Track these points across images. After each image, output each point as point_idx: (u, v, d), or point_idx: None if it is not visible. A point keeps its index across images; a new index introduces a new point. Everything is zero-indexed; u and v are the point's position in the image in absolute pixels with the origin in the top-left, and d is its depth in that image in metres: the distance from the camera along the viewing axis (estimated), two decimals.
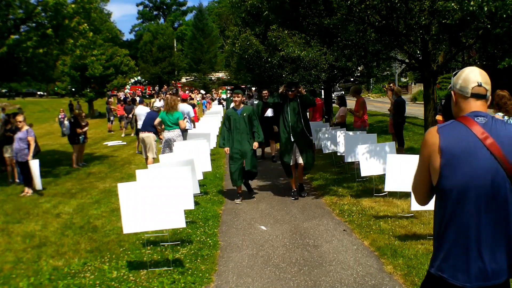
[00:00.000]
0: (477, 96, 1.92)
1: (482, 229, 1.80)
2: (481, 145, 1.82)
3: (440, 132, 1.88)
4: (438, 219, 1.90)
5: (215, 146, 11.82)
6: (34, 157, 9.10)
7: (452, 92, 2.01)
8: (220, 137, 7.63)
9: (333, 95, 14.52)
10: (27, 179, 8.85)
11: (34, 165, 8.73)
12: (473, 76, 1.93)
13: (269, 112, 10.58)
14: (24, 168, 8.87)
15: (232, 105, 7.75)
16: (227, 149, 7.43)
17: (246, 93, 20.38)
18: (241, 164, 7.38)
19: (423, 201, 2.05)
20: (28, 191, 8.79)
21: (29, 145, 8.89)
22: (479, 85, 1.91)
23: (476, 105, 1.92)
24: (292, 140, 7.32)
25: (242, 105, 7.53)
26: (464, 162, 1.81)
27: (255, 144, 7.42)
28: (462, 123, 1.89)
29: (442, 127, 1.91)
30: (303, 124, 7.40)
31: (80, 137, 11.88)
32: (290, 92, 7.37)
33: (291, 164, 7.46)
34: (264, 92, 11.29)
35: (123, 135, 19.45)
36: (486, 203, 1.81)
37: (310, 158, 7.53)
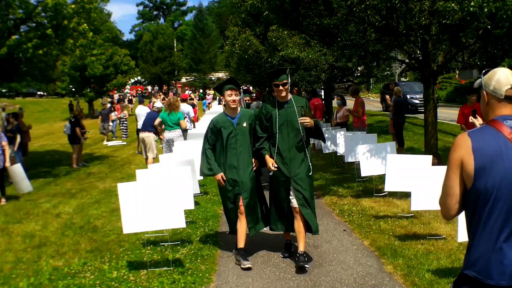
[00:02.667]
0: (510, 98, 1.93)
1: None
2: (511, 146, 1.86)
3: (471, 136, 1.91)
4: (471, 221, 1.92)
5: None
6: (22, 158, 8.97)
7: (484, 92, 2.01)
8: (202, 159, 4.88)
9: (334, 100, 14.52)
10: (2, 187, 8.29)
11: (17, 170, 8.50)
12: (506, 78, 1.94)
13: None
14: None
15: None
16: (220, 176, 4.75)
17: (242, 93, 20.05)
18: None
19: (454, 211, 1.98)
20: (3, 200, 8.20)
21: (3, 150, 8.17)
22: None
23: (507, 109, 1.94)
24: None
25: (239, 109, 4.90)
26: (497, 162, 1.84)
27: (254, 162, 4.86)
28: (492, 126, 1.92)
29: (472, 131, 1.94)
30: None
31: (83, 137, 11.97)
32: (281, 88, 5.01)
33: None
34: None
35: (105, 143, 17.33)
36: None
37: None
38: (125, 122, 18.35)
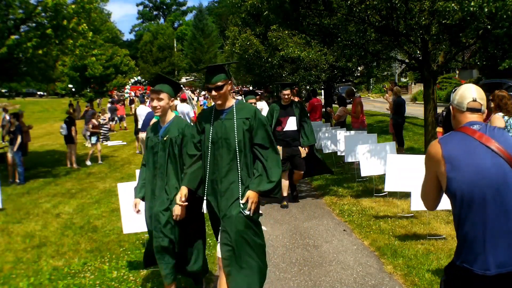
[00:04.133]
0: (472, 110, 2.12)
1: (496, 222, 1.95)
2: (481, 145, 2.00)
3: (441, 142, 2.09)
4: (455, 218, 2.06)
5: None
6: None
7: (451, 107, 2.22)
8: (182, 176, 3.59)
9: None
10: None
11: None
12: (468, 93, 2.14)
13: (291, 124, 6.92)
14: None
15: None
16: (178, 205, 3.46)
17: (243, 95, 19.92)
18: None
19: (432, 207, 2.29)
20: None
21: None
22: (474, 100, 2.12)
23: (472, 117, 2.12)
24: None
25: (169, 116, 3.69)
26: (467, 162, 1.99)
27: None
28: (460, 131, 2.10)
29: (442, 138, 2.12)
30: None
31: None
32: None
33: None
34: (285, 92, 6.93)
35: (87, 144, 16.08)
36: (496, 197, 1.95)
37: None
38: (106, 126, 17.21)
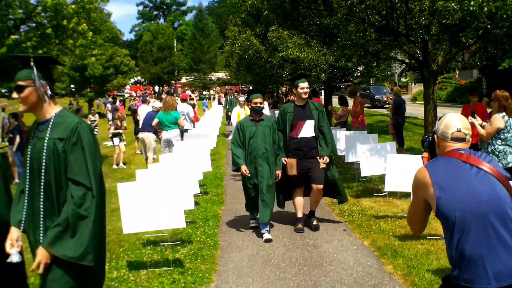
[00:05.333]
0: (456, 139, 2.16)
1: (491, 237, 1.95)
2: (469, 166, 2.04)
3: (427, 167, 2.12)
4: (448, 238, 2.06)
5: (215, 146, 11.80)
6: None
7: (435, 136, 2.25)
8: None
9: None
10: None
11: None
12: (453, 123, 2.18)
13: (308, 129, 5.60)
14: None
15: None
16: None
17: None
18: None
19: (418, 231, 2.30)
20: None
21: None
22: (458, 131, 2.15)
23: (456, 146, 2.15)
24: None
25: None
26: (457, 183, 2.01)
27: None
28: (447, 156, 2.13)
29: (428, 163, 2.17)
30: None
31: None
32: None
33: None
34: (303, 86, 5.55)
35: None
36: (489, 213, 1.96)
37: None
38: (95, 128, 16.01)
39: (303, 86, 5.53)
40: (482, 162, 2.04)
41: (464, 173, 2.03)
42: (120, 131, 11.65)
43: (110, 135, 11.87)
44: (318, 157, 5.59)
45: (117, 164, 11.64)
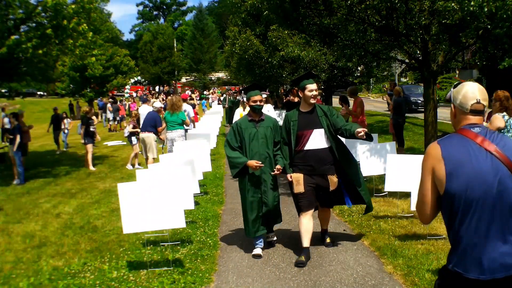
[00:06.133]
0: (475, 112, 2.07)
1: (491, 227, 1.93)
2: (481, 149, 1.97)
3: (440, 143, 2.05)
4: (448, 223, 2.03)
5: (215, 146, 11.80)
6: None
7: (452, 105, 2.16)
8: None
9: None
10: None
11: None
12: (472, 93, 2.07)
13: (317, 139, 4.75)
14: None
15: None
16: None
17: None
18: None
19: (428, 217, 2.13)
20: None
21: None
22: (478, 102, 2.06)
23: (474, 119, 2.08)
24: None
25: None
26: (466, 166, 1.95)
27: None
28: (460, 134, 2.06)
29: (442, 139, 2.09)
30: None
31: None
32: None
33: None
34: (311, 88, 4.74)
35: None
36: (493, 201, 1.93)
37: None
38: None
39: (312, 88, 4.67)
40: (493, 146, 1.96)
41: (475, 156, 1.95)
42: (138, 130, 10.94)
43: (127, 134, 11.48)
44: (330, 175, 4.73)
45: (133, 165, 11.25)
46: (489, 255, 1.91)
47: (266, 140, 4.87)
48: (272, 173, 4.86)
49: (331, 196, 4.91)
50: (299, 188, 4.70)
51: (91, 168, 11.29)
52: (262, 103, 4.95)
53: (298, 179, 4.71)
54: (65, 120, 15.91)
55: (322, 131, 4.71)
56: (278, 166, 4.84)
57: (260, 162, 4.73)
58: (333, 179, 4.75)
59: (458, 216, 1.96)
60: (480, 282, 1.91)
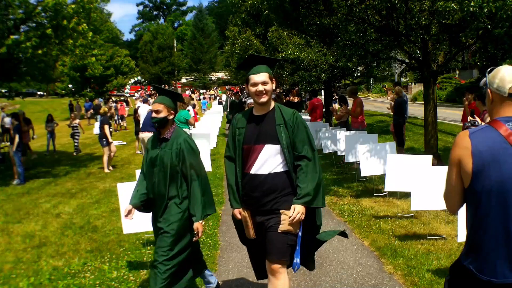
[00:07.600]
0: None
1: (509, 232, 1.87)
2: (511, 148, 1.89)
3: (471, 137, 1.94)
4: (470, 219, 1.98)
5: (215, 146, 11.80)
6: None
7: (488, 90, 2.05)
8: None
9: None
10: None
11: None
12: (509, 76, 1.97)
13: (268, 158, 3.00)
14: None
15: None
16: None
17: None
18: None
19: (455, 206, 2.06)
20: None
21: None
22: None
23: (510, 109, 1.98)
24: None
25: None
26: (495, 164, 1.88)
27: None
28: (492, 128, 1.95)
29: (473, 132, 1.98)
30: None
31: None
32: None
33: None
34: (256, 80, 3.09)
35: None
36: None
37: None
38: (77, 133, 14.93)
39: (257, 80, 3.07)
40: None
41: (504, 154, 1.87)
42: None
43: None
44: (283, 210, 2.97)
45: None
46: (506, 259, 1.87)
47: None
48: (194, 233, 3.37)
49: (278, 240, 2.97)
50: (249, 231, 3.14)
51: (106, 170, 11.06)
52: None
53: (246, 219, 3.12)
54: (49, 124, 15.17)
55: (277, 147, 3.00)
56: (195, 225, 3.33)
57: None
58: (287, 215, 2.94)
59: (480, 215, 1.91)
60: (492, 284, 1.87)
